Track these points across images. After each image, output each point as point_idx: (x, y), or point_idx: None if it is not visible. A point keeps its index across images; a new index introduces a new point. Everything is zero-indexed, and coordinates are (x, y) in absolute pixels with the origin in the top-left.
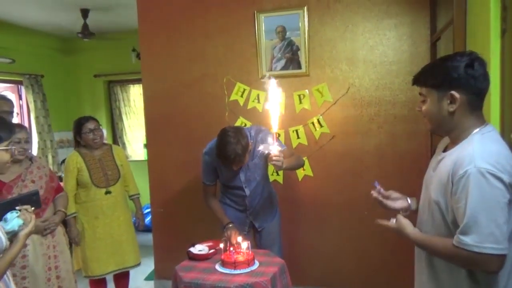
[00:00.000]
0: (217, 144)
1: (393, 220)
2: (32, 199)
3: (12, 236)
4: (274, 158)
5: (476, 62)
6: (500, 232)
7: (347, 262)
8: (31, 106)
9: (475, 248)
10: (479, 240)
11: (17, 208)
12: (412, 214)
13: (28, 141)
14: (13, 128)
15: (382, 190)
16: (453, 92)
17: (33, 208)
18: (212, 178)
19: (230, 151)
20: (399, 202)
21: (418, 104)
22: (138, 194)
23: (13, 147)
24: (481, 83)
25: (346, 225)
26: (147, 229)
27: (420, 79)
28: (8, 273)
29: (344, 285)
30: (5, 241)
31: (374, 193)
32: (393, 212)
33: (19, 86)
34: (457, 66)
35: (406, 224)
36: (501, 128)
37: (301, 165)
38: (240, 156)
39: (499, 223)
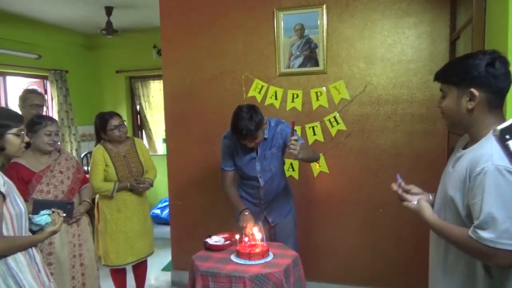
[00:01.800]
0: (232, 120)
1: (415, 202)
2: (67, 207)
3: (39, 230)
4: (291, 146)
5: (497, 61)
6: None
7: (361, 259)
8: (55, 100)
9: (490, 243)
10: (496, 236)
11: (52, 209)
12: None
13: (58, 133)
14: (42, 119)
15: (403, 183)
16: (472, 89)
17: (64, 215)
18: (231, 164)
19: (242, 125)
20: (419, 197)
21: (439, 100)
22: (152, 180)
23: (23, 132)
24: (502, 82)
25: (361, 222)
26: (164, 222)
27: (441, 75)
28: (39, 259)
29: (359, 281)
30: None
31: (394, 186)
32: (411, 212)
33: (45, 81)
34: (478, 64)
35: (426, 207)
36: None
37: (317, 158)
38: (252, 131)
39: None
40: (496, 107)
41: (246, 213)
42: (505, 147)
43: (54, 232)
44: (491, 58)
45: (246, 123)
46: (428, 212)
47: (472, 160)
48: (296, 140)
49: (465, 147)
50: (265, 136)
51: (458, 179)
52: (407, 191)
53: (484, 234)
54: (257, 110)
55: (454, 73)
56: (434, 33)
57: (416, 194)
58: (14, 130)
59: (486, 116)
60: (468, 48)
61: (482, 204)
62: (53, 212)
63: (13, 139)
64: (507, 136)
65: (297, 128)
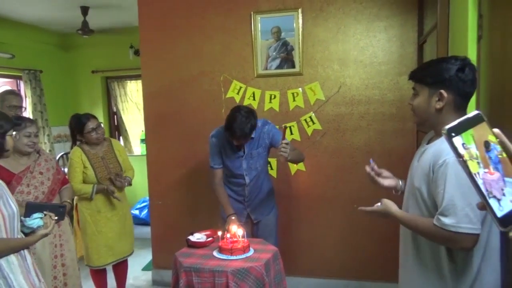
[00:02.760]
0: (228, 117)
1: (378, 204)
2: (59, 210)
3: (30, 232)
4: (282, 149)
5: (467, 67)
6: (474, 214)
7: (338, 253)
8: (29, 100)
9: (452, 228)
10: (456, 221)
11: (44, 212)
12: (397, 198)
13: (37, 135)
14: (21, 121)
15: (375, 167)
16: (442, 91)
17: (56, 218)
18: (219, 162)
19: (238, 127)
20: (388, 180)
21: (411, 97)
22: (131, 178)
23: (14, 132)
24: (469, 87)
25: (337, 217)
26: (143, 222)
27: (415, 75)
28: (29, 260)
29: (336, 275)
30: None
31: (367, 168)
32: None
33: (18, 81)
34: (450, 68)
35: (391, 204)
36: None
37: (303, 159)
38: (247, 134)
39: (474, 206)
40: (461, 108)
41: (233, 217)
42: (451, 143)
43: (45, 235)
44: (462, 64)
45: (242, 126)
46: (394, 207)
47: (435, 153)
48: (287, 144)
49: (429, 143)
50: (252, 136)
51: (422, 171)
52: (379, 174)
53: (446, 220)
54: (255, 114)
55: (428, 74)
56: (403, 37)
57: (387, 178)
58: (10, 132)
59: (452, 116)
60: (434, 51)
61: (444, 193)
62: (45, 215)
63: (10, 140)
64: (453, 134)
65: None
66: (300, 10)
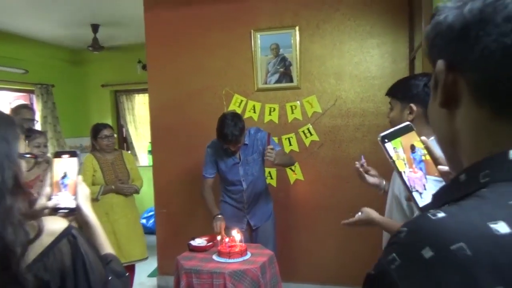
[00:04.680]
0: (218, 126)
1: (359, 213)
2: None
3: None
4: (267, 154)
5: None
6: None
7: (334, 259)
8: (40, 114)
9: None
10: None
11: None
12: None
13: (46, 145)
14: (31, 133)
15: (365, 164)
16: (412, 105)
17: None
18: (212, 171)
19: (228, 131)
20: (374, 178)
21: (388, 112)
22: (138, 187)
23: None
24: None
25: (334, 225)
26: (151, 231)
27: (390, 91)
28: None
29: (333, 281)
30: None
31: (357, 164)
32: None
33: (31, 95)
34: (418, 84)
35: (371, 211)
36: None
37: (293, 163)
38: (237, 136)
39: None
40: None
41: (219, 216)
42: (384, 147)
43: None
44: (429, 79)
45: (231, 129)
46: (375, 214)
47: None
48: (272, 149)
49: None
50: (246, 142)
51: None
52: (367, 171)
53: None
54: (240, 117)
55: (399, 90)
56: (395, 53)
57: (373, 176)
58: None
59: (424, 127)
60: (421, 67)
61: None
62: None
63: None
64: (386, 140)
65: (274, 139)
66: (297, 28)
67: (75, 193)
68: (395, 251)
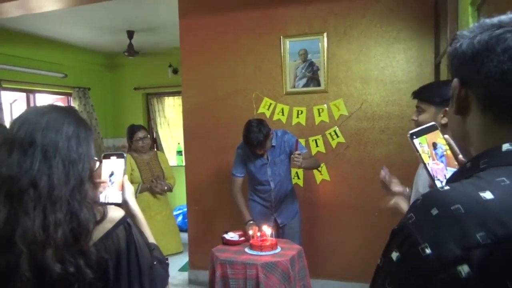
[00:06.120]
0: (244, 132)
1: (391, 202)
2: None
3: None
4: (295, 159)
5: None
6: None
7: (359, 257)
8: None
9: None
10: None
11: None
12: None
13: None
14: None
15: (387, 176)
16: (447, 109)
17: None
18: (242, 171)
19: (253, 137)
20: (399, 187)
21: (414, 114)
22: (171, 184)
23: None
24: None
25: (359, 224)
26: (180, 229)
27: (422, 95)
28: None
29: (357, 277)
30: None
31: (381, 175)
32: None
33: (69, 98)
34: None
35: (401, 201)
36: None
37: (318, 166)
38: (262, 142)
39: None
40: None
41: (251, 221)
42: (412, 143)
43: None
44: None
45: (256, 135)
46: (403, 205)
47: None
48: (299, 154)
49: None
50: (273, 144)
51: (425, 178)
52: (390, 182)
53: None
54: (264, 123)
55: (436, 95)
56: (420, 58)
57: (396, 184)
58: None
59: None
60: (446, 71)
61: None
62: None
63: None
64: (414, 137)
65: (302, 141)
66: (325, 34)
67: (121, 189)
68: (412, 212)
